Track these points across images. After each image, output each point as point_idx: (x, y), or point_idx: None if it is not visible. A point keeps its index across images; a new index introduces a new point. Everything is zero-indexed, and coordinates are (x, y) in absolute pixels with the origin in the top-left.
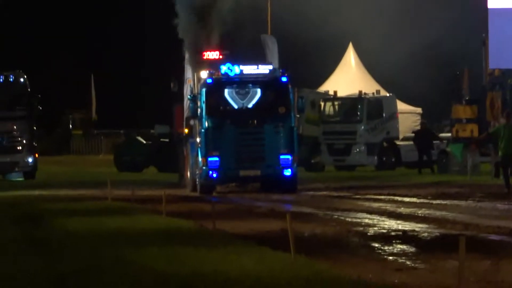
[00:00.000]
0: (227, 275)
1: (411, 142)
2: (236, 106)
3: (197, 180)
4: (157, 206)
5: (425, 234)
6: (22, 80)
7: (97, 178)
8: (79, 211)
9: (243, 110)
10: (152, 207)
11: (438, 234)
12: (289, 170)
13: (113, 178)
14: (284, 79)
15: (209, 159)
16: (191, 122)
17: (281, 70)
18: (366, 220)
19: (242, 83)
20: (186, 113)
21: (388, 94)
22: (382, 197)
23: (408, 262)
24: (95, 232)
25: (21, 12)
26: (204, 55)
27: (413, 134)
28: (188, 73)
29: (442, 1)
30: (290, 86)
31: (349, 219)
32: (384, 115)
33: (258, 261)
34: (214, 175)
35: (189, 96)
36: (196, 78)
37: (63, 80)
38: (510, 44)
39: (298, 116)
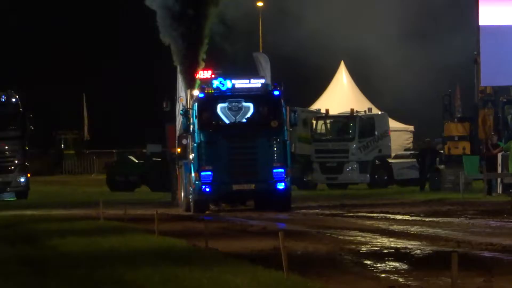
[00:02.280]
0: None
1: (403, 160)
2: (228, 120)
3: (191, 197)
4: (150, 225)
5: (418, 251)
6: (14, 100)
7: (90, 197)
8: (72, 231)
9: (235, 124)
10: (144, 226)
11: (430, 251)
12: (283, 183)
13: (106, 198)
14: (276, 92)
15: (202, 173)
16: (184, 141)
17: (273, 84)
18: (359, 238)
19: (234, 97)
20: (178, 131)
21: (380, 112)
22: (375, 214)
23: (401, 280)
24: (89, 252)
25: (12, 33)
26: (196, 75)
27: (406, 152)
28: (181, 91)
29: (433, 18)
30: (282, 100)
31: (342, 237)
32: (376, 133)
33: (252, 280)
34: (207, 189)
35: (181, 111)
36: (189, 95)
37: (55, 100)
38: (502, 61)
39: (291, 130)
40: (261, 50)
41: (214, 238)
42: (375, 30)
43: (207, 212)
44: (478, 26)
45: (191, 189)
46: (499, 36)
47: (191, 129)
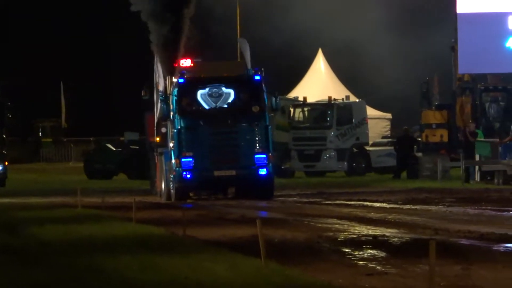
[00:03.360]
0: (200, 282)
1: (381, 148)
2: (209, 106)
3: (171, 185)
4: (128, 213)
5: (396, 239)
6: None
7: (67, 185)
8: (50, 219)
9: (216, 110)
10: (122, 214)
11: (408, 239)
12: (265, 169)
13: (83, 186)
14: (257, 77)
15: (183, 159)
16: (163, 129)
17: (254, 69)
18: (337, 226)
19: (215, 82)
20: (157, 118)
21: (357, 100)
22: (353, 202)
23: (378, 267)
24: (68, 240)
25: None
26: (176, 64)
27: (384, 140)
28: (158, 77)
29: (411, 7)
30: (263, 85)
31: (320, 225)
32: (354, 120)
33: (230, 268)
34: (188, 175)
35: (160, 97)
36: (169, 81)
37: (33, 88)
38: (479, 49)
39: (272, 115)
40: (239, 37)
41: (192, 226)
42: (353, 18)
43: (188, 200)
44: (455, 14)
45: (172, 176)
46: (476, 24)
47: (171, 115)
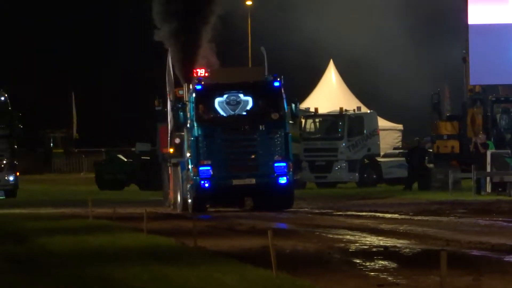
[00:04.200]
0: None
1: (392, 159)
2: (227, 113)
3: (188, 195)
4: (139, 224)
5: (407, 250)
6: (3, 98)
7: (78, 196)
8: (61, 229)
9: (234, 117)
10: (133, 225)
11: (419, 250)
12: (284, 178)
13: (94, 197)
14: (276, 83)
15: (201, 168)
16: (176, 140)
17: (273, 75)
18: (348, 237)
19: (233, 89)
20: (170, 129)
21: (369, 111)
22: (364, 213)
23: (389, 278)
24: (78, 250)
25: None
26: (194, 73)
27: (395, 151)
28: (167, 86)
29: (422, 18)
30: (283, 91)
31: (331, 236)
32: (365, 131)
33: (240, 279)
34: (206, 184)
35: (178, 104)
36: (186, 89)
37: (44, 98)
38: (491, 60)
39: (292, 122)
40: (249, 48)
41: (203, 237)
42: (365, 29)
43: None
44: (467, 25)
45: (189, 186)
46: (487, 35)
47: (188, 123)
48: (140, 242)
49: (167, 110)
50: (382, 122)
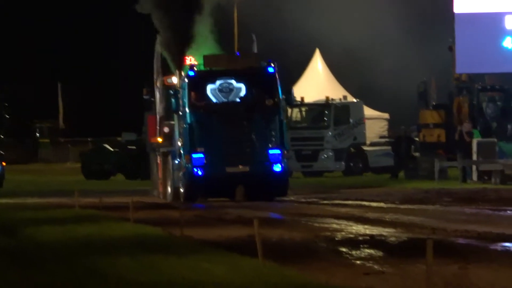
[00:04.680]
0: (198, 282)
1: (379, 148)
2: (220, 99)
3: (180, 184)
4: (125, 213)
5: (393, 239)
6: None
7: (65, 186)
8: (48, 219)
9: (228, 103)
10: (120, 214)
11: (405, 238)
12: (279, 165)
13: (81, 186)
14: (271, 69)
15: (194, 156)
16: (165, 129)
17: (267, 61)
18: (334, 225)
19: (227, 75)
20: (158, 118)
21: (355, 100)
22: (350, 202)
23: (376, 267)
24: (65, 240)
25: None
26: (186, 60)
27: (381, 140)
28: (155, 74)
29: (409, 7)
30: (277, 77)
31: (317, 225)
32: (351, 121)
33: (228, 268)
34: (199, 172)
35: (170, 91)
36: (178, 75)
37: (30, 89)
38: (477, 49)
39: (286, 109)
40: (236, 36)
41: (190, 226)
42: (351, 18)
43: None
44: (453, 14)
45: (181, 174)
46: (474, 24)
47: (180, 110)
48: (127, 231)
49: (155, 98)
50: (368, 111)
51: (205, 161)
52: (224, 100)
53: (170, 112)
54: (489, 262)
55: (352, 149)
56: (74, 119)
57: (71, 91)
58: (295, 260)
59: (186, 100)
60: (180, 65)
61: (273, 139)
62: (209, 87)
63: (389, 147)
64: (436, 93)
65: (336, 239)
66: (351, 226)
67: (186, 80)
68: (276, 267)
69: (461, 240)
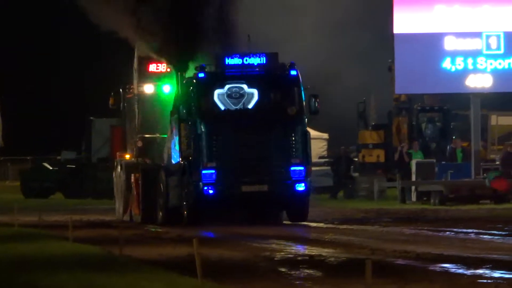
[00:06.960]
0: None
1: (318, 168)
2: (235, 107)
3: (184, 203)
4: (65, 232)
5: (332, 259)
6: None
7: (4, 204)
8: None
9: (245, 111)
10: (59, 233)
11: (345, 258)
12: (303, 184)
13: (20, 205)
14: (293, 72)
15: (203, 172)
16: (139, 144)
17: (290, 62)
18: (274, 245)
19: (242, 78)
20: (128, 130)
21: None
22: (289, 222)
23: (315, 287)
24: (4, 258)
25: None
26: (149, 67)
27: (321, 160)
28: (135, 79)
29: (347, 27)
30: (301, 82)
31: (257, 244)
32: None
33: (167, 287)
34: (210, 191)
35: (174, 95)
36: (178, 79)
37: None
38: (416, 69)
39: (310, 119)
40: None
41: (129, 245)
42: (286, 34)
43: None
44: (392, 34)
45: (185, 192)
46: (413, 44)
47: (184, 119)
48: (66, 250)
49: (124, 108)
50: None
51: (216, 178)
52: (240, 107)
53: (148, 123)
54: (428, 282)
55: None
56: (13, 137)
57: (10, 109)
58: (235, 279)
59: (194, 108)
60: (141, 81)
61: (296, 154)
62: (223, 91)
63: (328, 167)
64: (376, 113)
65: (276, 259)
66: (290, 246)
67: (194, 83)
68: (215, 286)
69: (400, 261)
